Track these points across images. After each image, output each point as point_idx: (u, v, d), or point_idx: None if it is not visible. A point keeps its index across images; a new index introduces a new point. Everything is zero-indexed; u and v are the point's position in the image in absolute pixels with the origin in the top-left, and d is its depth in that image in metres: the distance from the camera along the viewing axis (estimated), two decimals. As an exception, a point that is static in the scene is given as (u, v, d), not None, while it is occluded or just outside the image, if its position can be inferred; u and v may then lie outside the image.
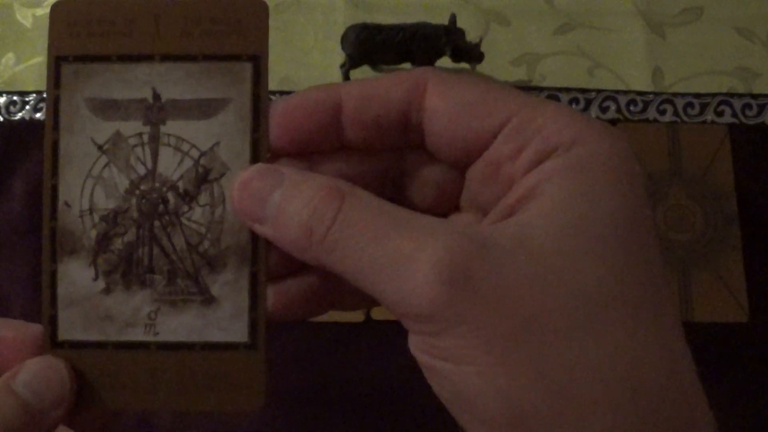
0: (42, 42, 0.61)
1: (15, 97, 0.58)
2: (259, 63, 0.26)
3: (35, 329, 0.26)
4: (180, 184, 0.26)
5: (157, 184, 0.26)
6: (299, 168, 0.24)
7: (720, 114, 0.56)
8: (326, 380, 0.49)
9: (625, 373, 0.20)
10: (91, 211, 0.26)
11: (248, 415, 0.48)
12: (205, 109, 0.26)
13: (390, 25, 0.55)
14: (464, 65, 0.56)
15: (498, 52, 0.59)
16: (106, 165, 0.26)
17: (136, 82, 0.26)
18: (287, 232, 0.23)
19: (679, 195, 0.53)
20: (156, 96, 0.26)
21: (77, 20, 0.26)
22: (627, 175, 0.21)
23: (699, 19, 0.60)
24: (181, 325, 0.26)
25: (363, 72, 0.58)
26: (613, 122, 0.55)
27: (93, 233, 0.26)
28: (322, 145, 0.24)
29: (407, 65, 0.57)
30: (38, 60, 0.60)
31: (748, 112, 0.56)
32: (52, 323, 0.26)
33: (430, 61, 0.56)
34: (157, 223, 0.26)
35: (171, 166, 0.26)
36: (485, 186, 0.23)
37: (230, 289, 0.26)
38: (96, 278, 0.26)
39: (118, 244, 0.26)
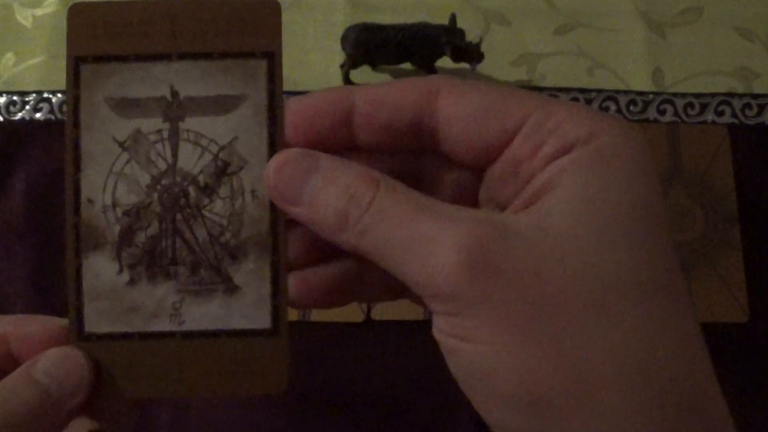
0: (42, 42, 0.61)
1: (15, 97, 0.58)
2: (273, 59, 0.27)
3: (60, 323, 0.27)
4: (200, 177, 0.27)
5: (178, 179, 0.27)
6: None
7: (720, 114, 0.56)
8: (326, 380, 0.49)
9: (638, 354, 0.20)
10: (114, 206, 0.27)
11: (248, 414, 0.48)
12: (222, 105, 0.27)
13: (390, 25, 0.55)
14: (464, 65, 0.56)
15: (498, 52, 0.59)
16: (128, 161, 0.27)
17: (154, 81, 0.27)
18: (323, 215, 0.23)
19: (679, 195, 0.53)
20: (174, 93, 0.27)
21: (95, 22, 0.26)
22: (641, 167, 0.22)
23: (699, 19, 0.60)
24: (205, 314, 0.27)
25: (363, 72, 0.58)
26: (613, 122, 0.56)
27: (116, 228, 0.27)
28: (334, 145, 0.25)
29: (407, 65, 0.57)
30: (38, 60, 0.60)
31: (748, 112, 0.56)
32: (79, 317, 0.27)
33: (430, 61, 0.56)
34: (179, 216, 0.27)
35: (191, 160, 0.27)
36: (504, 184, 0.24)
37: (252, 277, 0.26)
38: (120, 271, 0.27)
39: (141, 237, 0.27)
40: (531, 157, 0.23)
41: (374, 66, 0.58)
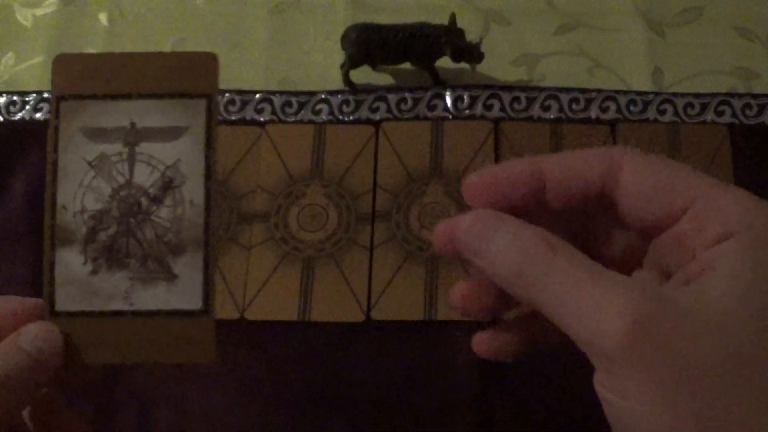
0: (42, 42, 0.61)
1: (15, 97, 0.58)
2: (211, 99, 0.34)
3: (34, 302, 0.33)
4: (150, 190, 0.34)
5: (133, 191, 0.34)
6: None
7: (720, 114, 0.56)
8: (326, 380, 0.49)
9: None
10: (82, 211, 0.34)
11: (248, 414, 0.48)
12: (170, 134, 0.34)
13: (390, 25, 0.55)
14: (464, 65, 0.56)
15: (498, 52, 0.59)
16: (94, 176, 0.34)
17: (117, 115, 0.34)
18: (504, 269, 0.27)
19: (679, 195, 0.53)
20: (132, 124, 0.34)
21: (73, 69, 0.34)
22: None
23: (699, 19, 0.60)
24: (151, 297, 0.33)
25: (363, 72, 0.58)
26: (613, 122, 0.56)
27: (84, 229, 0.34)
28: (518, 208, 0.28)
29: (407, 65, 0.57)
30: (38, 60, 0.60)
31: (748, 112, 0.56)
32: (51, 298, 0.33)
33: (430, 61, 0.56)
34: (132, 220, 0.34)
35: (144, 176, 0.34)
36: (669, 254, 0.27)
37: (188, 269, 0.33)
38: (85, 263, 0.33)
39: (102, 236, 0.34)
40: (695, 236, 0.26)
41: (374, 66, 0.58)
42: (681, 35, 0.60)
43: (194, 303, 0.33)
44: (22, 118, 0.57)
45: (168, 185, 0.34)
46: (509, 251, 0.27)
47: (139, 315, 0.33)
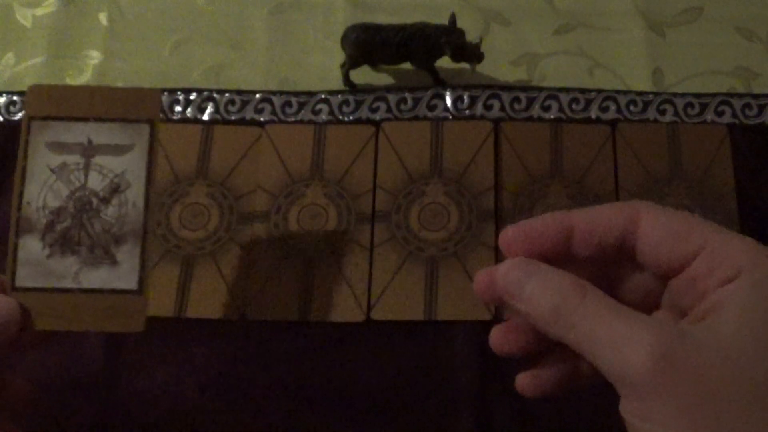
0: (42, 42, 0.61)
1: (15, 97, 0.58)
2: (152, 124, 0.43)
3: (0, 279, 0.41)
4: (101, 193, 0.42)
5: (86, 193, 0.42)
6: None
7: (720, 114, 0.56)
8: (326, 380, 0.49)
9: None
10: (44, 207, 0.42)
11: (248, 413, 0.49)
12: (119, 149, 0.43)
13: (390, 25, 0.55)
14: (464, 65, 0.56)
15: (498, 52, 0.59)
16: (56, 180, 0.42)
17: (77, 133, 0.43)
18: (539, 309, 0.30)
19: (679, 195, 0.53)
20: (89, 141, 0.43)
21: (43, 96, 0.43)
22: None
23: (699, 19, 0.60)
24: (95, 278, 0.42)
25: (363, 72, 0.58)
26: (613, 122, 0.56)
27: (44, 221, 0.42)
28: (550, 256, 0.32)
29: (407, 65, 0.57)
30: (38, 60, 0.60)
31: (748, 112, 0.56)
32: (13, 276, 0.41)
33: (430, 61, 0.56)
34: (84, 216, 0.42)
35: (96, 182, 0.42)
36: (683, 294, 0.31)
37: (128, 256, 0.42)
38: (43, 249, 0.42)
39: (59, 228, 0.42)
40: (706, 277, 0.29)
41: (374, 66, 0.58)
42: (681, 35, 0.60)
43: (131, 284, 0.42)
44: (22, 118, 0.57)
45: (115, 190, 0.43)
46: (544, 293, 0.30)
47: (84, 292, 0.41)
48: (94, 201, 0.42)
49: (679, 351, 0.27)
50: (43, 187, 0.42)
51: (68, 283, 0.42)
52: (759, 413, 0.26)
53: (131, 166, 0.43)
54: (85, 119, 0.43)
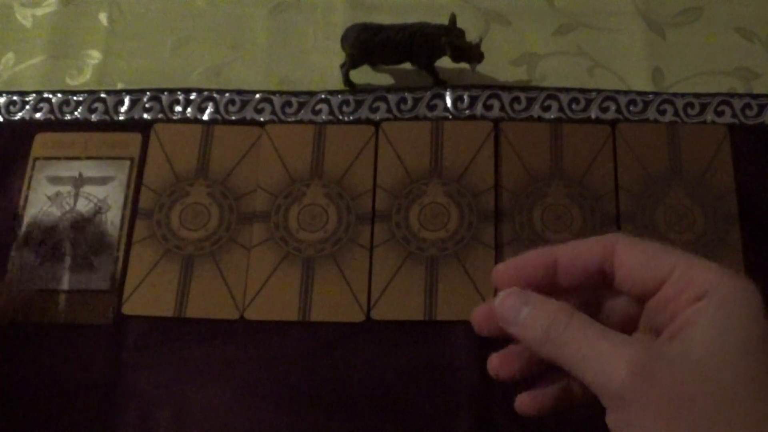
0: (42, 42, 0.61)
1: (15, 97, 0.58)
2: (134, 161, 0.55)
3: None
4: (86, 214, 0.53)
5: (74, 214, 0.53)
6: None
7: (720, 114, 0.56)
8: (326, 380, 0.49)
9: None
10: (39, 226, 0.53)
11: (248, 414, 0.49)
12: (103, 180, 0.54)
13: (390, 25, 0.55)
14: (464, 65, 0.56)
15: (498, 52, 0.59)
16: (50, 205, 0.54)
17: (71, 169, 0.55)
18: (532, 332, 0.34)
19: (679, 195, 0.53)
20: (80, 174, 0.54)
21: (46, 142, 0.56)
22: (754, 310, 0.31)
23: (699, 19, 0.60)
24: (77, 281, 0.52)
25: (363, 72, 0.58)
26: (613, 122, 0.55)
27: (39, 236, 0.53)
28: (539, 286, 0.36)
29: (407, 65, 0.57)
30: (38, 60, 0.60)
31: (748, 112, 0.56)
32: (10, 279, 0.52)
33: (430, 61, 0.56)
34: (72, 232, 0.53)
35: (83, 206, 0.54)
36: (658, 315, 0.34)
37: (105, 264, 0.52)
38: (36, 258, 0.52)
39: (50, 241, 0.53)
40: (676, 299, 0.33)
41: (374, 66, 0.58)
42: (681, 35, 0.60)
43: (106, 285, 0.52)
44: (22, 118, 0.57)
45: (97, 211, 0.53)
46: (536, 318, 0.34)
47: (68, 292, 0.52)
48: (80, 221, 0.53)
49: (656, 366, 0.30)
50: (40, 211, 0.54)
51: (55, 285, 0.52)
52: (729, 418, 0.30)
53: (112, 193, 0.54)
54: (77, 158, 0.55)
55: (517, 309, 0.35)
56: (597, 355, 0.32)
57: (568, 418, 0.48)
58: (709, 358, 0.31)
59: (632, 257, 0.34)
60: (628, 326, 0.36)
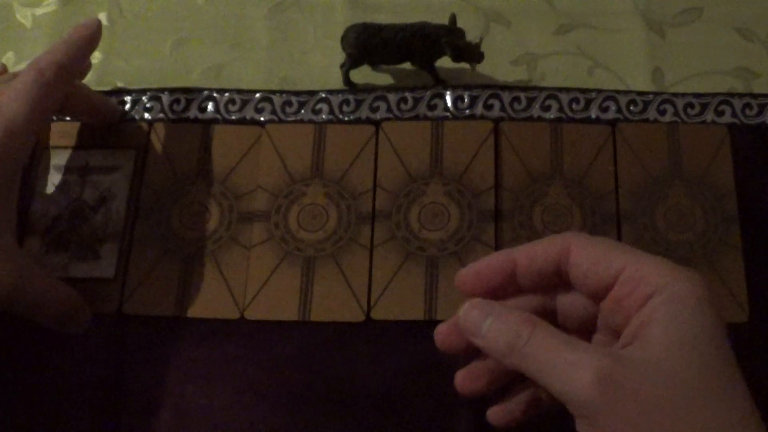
0: (42, 42, 0.61)
1: (15, 97, 0.58)
2: (139, 149, 0.54)
3: None
4: (91, 203, 0.53)
5: (80, 203, 0.53)
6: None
7: (720, 114, 0.56)
8: (326, 380, 0.49)
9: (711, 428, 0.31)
10: (46, 215, 0.53)
11: (248, 414, 0.49)
12: (109, 169, 0.54)
13: (390, 25, 0.55)
14: (464, 65, 0.56)
15: (498, 52, 0.59)
16: (58, 194, 0.53)
17: (78, 158, 0.54)
18: (496, 344, 0.34)
19: (679, 195, 0.53)
20: (86, 163, 0.54)
21: (56, 132, 0.55)
22: (706, 306, 0.32)
23: (699, 19, 0.60)
24: (83, 269, 0.52)
25: (363, 72, 0.58)
26: (613, 122, 0.56)
27: (44, 225, 0.53)
28: (501, 292, 0.37)
29: (407, 65, 0.57)
30: (38, 60, 0.60)
31: (748, 112, 0.56)
32: None
33: (430, 61, 0.56)
34: (77, 221, 0.52)
35: (88, 195, 0.53)
36: (612, 314, 0.35)
37: (109, 252, 0.52)
38: (42, 246, 0.52)
39: (56, 230, 0.53)
40: (628, 297, 0.33)
41: (374, 66, 0.58)
42: (681, 35, 0.60)
43: (110, 273, 0.51)
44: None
45: (103, 201, 0.53)
46: (501, 329, 0.34)
47: (72, 280, 0.50)
48: (86, 209, 0.53)
49: (619, 372, 0.31)
50: (47, 199, 0.53)
51: (60, 273, 0.51)
52: (692, 416, 0.31)
53: (117, 182, 0.53)
54: (84, 147, 0.54)
55: (480, 320, 0.35)
56: (562, 365, 0.32)
57: (572, 415, 0.48)
58: (668, 359, 0.31)
59: (584, 257, 0.35)
60: (587, 327, 0.37)
